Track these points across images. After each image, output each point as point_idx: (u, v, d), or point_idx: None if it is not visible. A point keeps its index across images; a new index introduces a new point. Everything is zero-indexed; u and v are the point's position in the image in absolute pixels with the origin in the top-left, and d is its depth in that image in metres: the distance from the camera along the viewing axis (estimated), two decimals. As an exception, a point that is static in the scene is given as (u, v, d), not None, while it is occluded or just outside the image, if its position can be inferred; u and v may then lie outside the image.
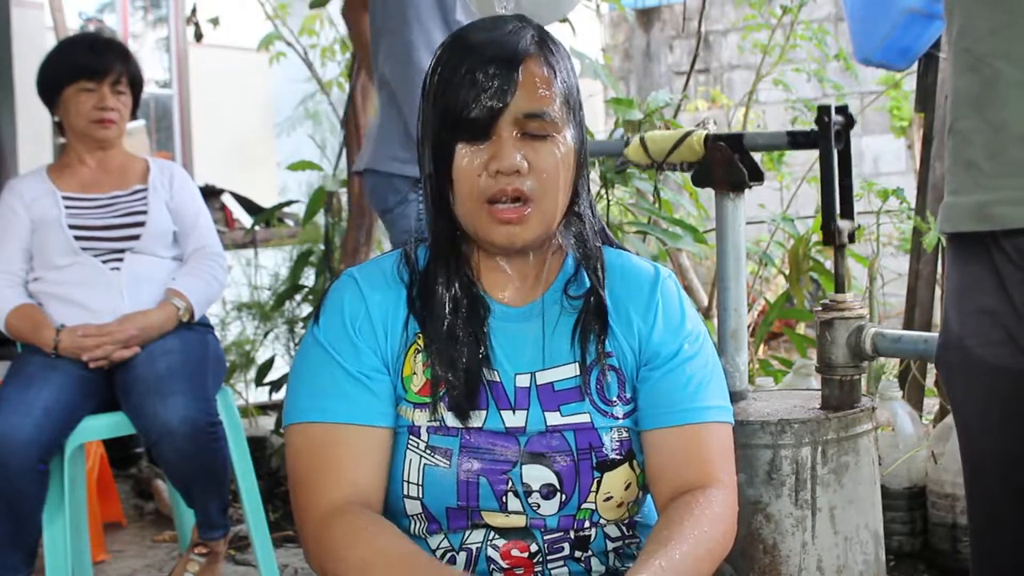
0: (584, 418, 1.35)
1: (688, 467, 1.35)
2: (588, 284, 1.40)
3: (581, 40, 4.07)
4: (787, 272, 3.34)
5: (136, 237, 2.66)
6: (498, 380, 1.36)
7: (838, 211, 2.22)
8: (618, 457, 1.35)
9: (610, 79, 3.65)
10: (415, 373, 1.36)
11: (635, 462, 1.37)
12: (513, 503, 1.33)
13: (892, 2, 2.72)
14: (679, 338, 1.39)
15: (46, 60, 2.77)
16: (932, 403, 3.32)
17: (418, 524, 1.36)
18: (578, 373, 1.37)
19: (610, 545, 1.39)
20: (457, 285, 1.37)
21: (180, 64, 7.11)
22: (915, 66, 3.07)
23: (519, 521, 1.34)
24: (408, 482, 1.34)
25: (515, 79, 1.30)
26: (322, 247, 3.97)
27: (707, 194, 2.73)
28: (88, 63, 2.69)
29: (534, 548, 1.34)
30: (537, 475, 1.33)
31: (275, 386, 4.01)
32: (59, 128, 2.79)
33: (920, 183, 3.15)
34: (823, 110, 2.22)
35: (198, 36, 4.87)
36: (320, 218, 3.98)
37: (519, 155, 1.30)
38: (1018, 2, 1.33)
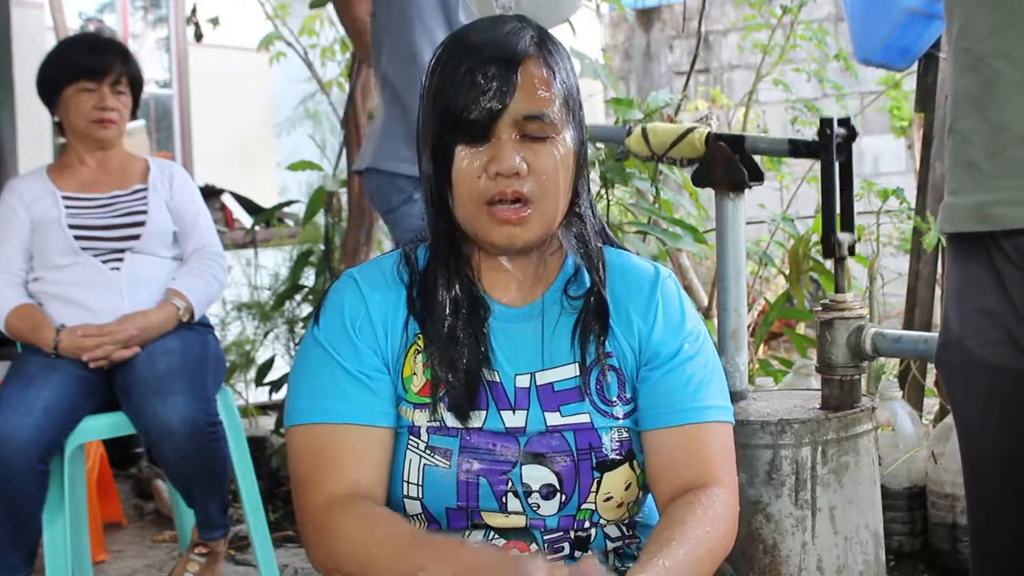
0: (584, 418, 1.35)
1: (689, 467, 1.35)
2: (588, 284, 1.40)
3: (581, 40, 4.07)
4: (787, 272, 3.34)
5: (136, 237, 2.66)
6: (498, 380, 1.36)
7: (838, 224, 2.22)
8: (618, 457, 1.35)
9: (610, 79, 3.64)
10: (415, 373, 1.36)
11: (635, 462, 1.37)
12: (513, 503, 1.33)
13: (892, 2, 2.72)
14: (679, 338, 1.39)
15: (46, 60, 2.77)
16: (932, 403, 3.32)
17: (418, 524, 1.35)
18: (578, 373, 1.37)
19: (610, 545, 1.39)
20: (457, 286, 1.37)
21: (180, 64, 7.11)
22: (915, 66, 3.07)
23: (519, 521, 1.34)
24: (408, 482, 1.34)
25: (514, 81, 1.30)
26: (322, 247, 3.97)
27: (707, 194, 2.73)
28: (88, 63, 2.69)
29: (534, 548, 1.34)
30: (537, 475, 1.33)
31: (275, 386, 4.01)
32: (59, 128, 2.79)
33: (920, 183, 3.15)
34: (825, 122, 2.21)
35: (198, 36, 4.86)
36: (320, 218, 3.98)
37: (518, 157, 1.30)
38: (1018, 2, 1.33)
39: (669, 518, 1.30)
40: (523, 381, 1.36)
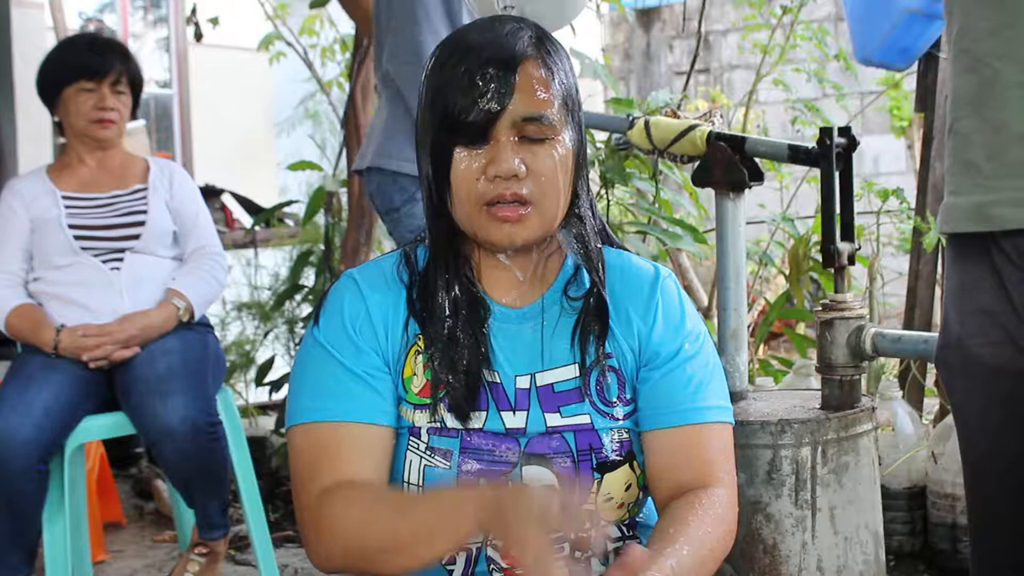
0: (584, 419, 1.35)
1: (688, 467, 1.35)
2: (588, 285, 1.40)
3: (581, 40, 4.07)
4: (787, 272, 3.34)
5: (136, 237, 2.66)
6: (498, 381, 1.36)
7: (838, 233, 2.21)
8: (618, 458, 1.35)
9: (610, 79, 3.64)
10: (415, 374, 1.36)
11: (635, 463, 1.37)
12: (513, 504, 1.33)
13: (892, 2, 2.73)
14: (679, 338, 1.39)
15: (46, 60, 2.77)
16: (932, 403, 3.32)
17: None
18: (578, 374, 1.36)
19: (610, 546, 1.39)
20: (457, 286, 1.36)
21: (180, 64, 7.11)
22: (915, 66, 3.08)
23: (519, 521, 1.34)
24: (408, 483, 1.33)
25: (513, 82, 1.29)
26: (322, 247, 3.97)
27: (707, 194, 2.73)
28: (88, 63, 2.69)
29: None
30: (537, 476, 1.33)
31: (275, 386, 4.02)
32: (59, 128, 2.79)
33: (920, 183, 3.15)
34: (825, 132, 2.20)
35: (198, 36, 4.86)
36: (320, 218, 3.98)
37: (517, 159, 1.29)
38: (1018, 2, 1.33)
39: (671, 517, 1.30)
40: (523, 382, 1.36)
